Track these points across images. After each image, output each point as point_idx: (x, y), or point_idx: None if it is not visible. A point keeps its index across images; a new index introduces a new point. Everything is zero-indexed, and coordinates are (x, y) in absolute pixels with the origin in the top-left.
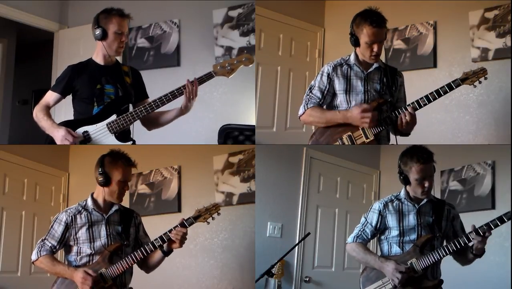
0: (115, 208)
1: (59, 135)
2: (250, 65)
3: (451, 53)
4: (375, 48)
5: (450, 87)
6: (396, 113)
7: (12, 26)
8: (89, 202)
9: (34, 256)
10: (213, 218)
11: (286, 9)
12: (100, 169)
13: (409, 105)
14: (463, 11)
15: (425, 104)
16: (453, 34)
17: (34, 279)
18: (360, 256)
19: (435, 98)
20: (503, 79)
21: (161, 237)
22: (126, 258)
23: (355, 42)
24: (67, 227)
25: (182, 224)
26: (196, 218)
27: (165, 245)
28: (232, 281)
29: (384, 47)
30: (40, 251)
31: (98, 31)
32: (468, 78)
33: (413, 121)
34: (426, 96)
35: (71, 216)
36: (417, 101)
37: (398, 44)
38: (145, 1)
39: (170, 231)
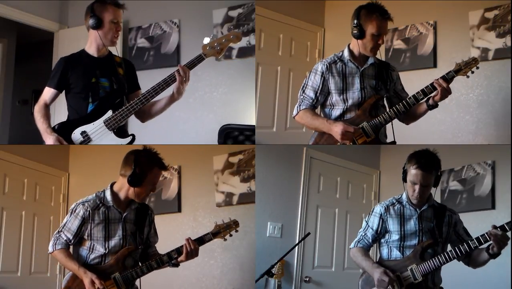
0: (134, 206)
1: (49, 143)
2: (238, 42)
3: (451, 53)
4: (380, 40)
5: (445, 80)
6: (411, 100)
7: (12, 26)
8: (108, 196)
9: (50, 248)
10: (230, 235)
11: (286, 9)
12: (136, 168)
13: (437, 79)
14: (463, 11)
15: (421, 99)
16: (453, 34)
17: (34, 279)
18: (357, 261)
19: (431, 92)
20: (503, 79)
21: (177, 249)
22: (141, 268)
23: (360, 34)
24: (84, 222)
25: (199, 239)
26: (215, 234)
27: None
28: (232, 281)
29: (384, 47)
30: (55, 244)
31: (92, 20)
32: (461, 69)
33: (449, 89)
34: (422, 90)
35: (89, 211)
36: (413, 96)
37: (398, 44)
38: (145, 1)
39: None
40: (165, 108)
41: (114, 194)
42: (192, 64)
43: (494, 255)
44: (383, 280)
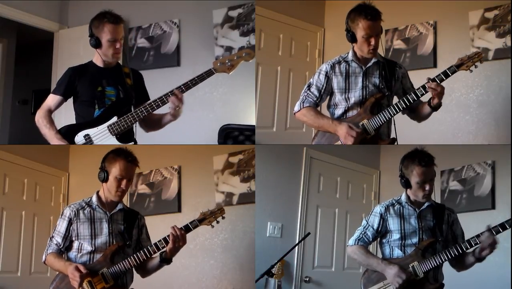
0: (119, 207)
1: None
2: (251, 60)
3: (451, 53)
4: (372, 41)
5: (446, 74)
6: (412, 96)
7: (12, 26)
8: (94, 199)
9: (43, 257)
10: (217, 222)
11: (286, 9)
12: (101, 164)
13: (428, 81)
14: (463, 11)
15: (422, 94)
16: (453, 34)
17: (34, 279)
18: (361, 258)
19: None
20: (503, 79)
21: (164, 239)
22: (129, 258)
23: (352, 38)
24: (71, 222)
25: (185, 226)
26: (200, 220)
27: (163, 253)
28: (232, 281)
29: (384, 47)
30: (47, 250)
31: (91, 40)
32: (464, 63)
33: (443, 90)
34: (423, 86)
35: (74, 211)
36: (414, 91)
37: (398, 44)
38: (145, 1)
39: None
40: (164, 125)
41: (99, 197)
42: (201, 78)
43: (479, 259)
44: (400, 277)
